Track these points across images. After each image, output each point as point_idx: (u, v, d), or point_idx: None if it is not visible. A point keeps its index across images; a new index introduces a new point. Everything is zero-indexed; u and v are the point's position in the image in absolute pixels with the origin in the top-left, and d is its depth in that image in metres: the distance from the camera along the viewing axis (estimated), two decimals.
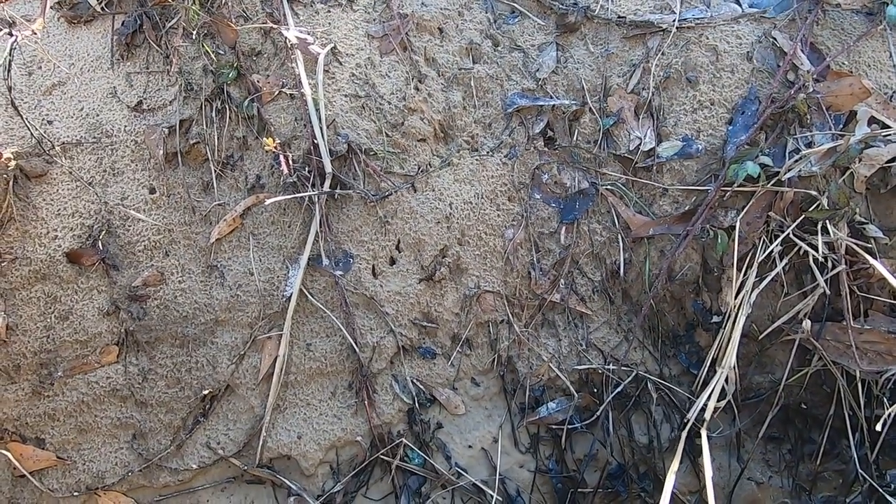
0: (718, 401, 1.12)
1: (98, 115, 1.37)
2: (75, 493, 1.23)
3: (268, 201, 1.28)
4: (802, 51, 1.40)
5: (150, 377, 1.29)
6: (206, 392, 1.28)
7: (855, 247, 1.14)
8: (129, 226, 1.33)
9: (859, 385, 1.22)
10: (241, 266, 1.35)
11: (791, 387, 1.32)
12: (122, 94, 1.39)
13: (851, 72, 1.36)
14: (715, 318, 1.32)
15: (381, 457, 1.27)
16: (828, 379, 1.32)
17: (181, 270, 1.34)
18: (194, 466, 1.25)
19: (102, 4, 1.45)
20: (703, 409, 1.10)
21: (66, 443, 1.26)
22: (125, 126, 1.36)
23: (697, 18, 1.48)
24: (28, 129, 1.29)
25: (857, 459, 1.21)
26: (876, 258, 1.22)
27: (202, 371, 1.29)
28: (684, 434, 1.05)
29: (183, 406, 1.28)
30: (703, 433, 0.98)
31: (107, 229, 1.33)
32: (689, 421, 1.10)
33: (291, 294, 1.32)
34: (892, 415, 1.20)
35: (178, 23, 1.42)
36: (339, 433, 1.29)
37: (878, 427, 0.98)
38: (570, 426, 1.30)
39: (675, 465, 0.94)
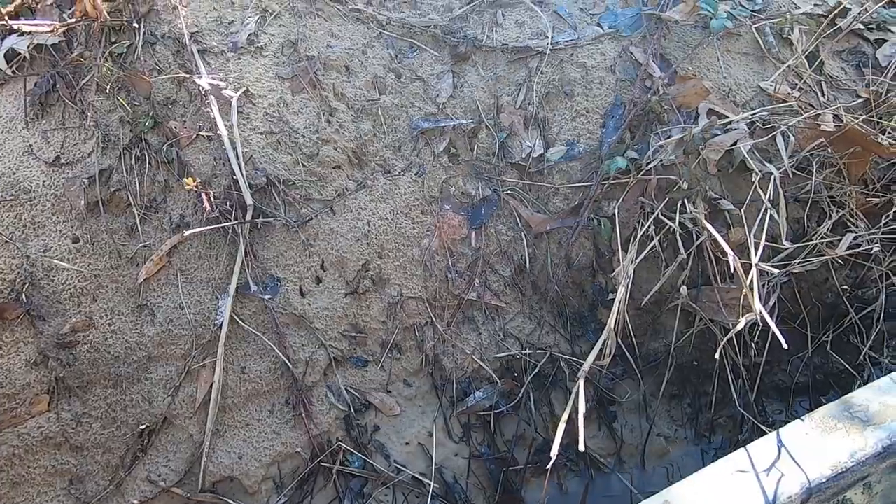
0: (603, 359, 1.14)
1: (15, 173, 1.28)
2: None
3: (187, 232, 1.23)
4: (654, 61, 1.51)
5: (84, 421, 1.19)
6: (143, 427, 1.20)
7: (702, 219, 1.21)
8: (54, 276, 1.24)
9: (734, 337, 1.28)
10: (170, 302, 1.28)
11: (682, 348, 1.37)
12: (39, 150, 1.32)
13: (695, 75, 1.47)
14: (611, 296, 1.36)
15: (322, 464, 1.21)
16: (710, 336, 1.38)
17: (110, 313, 1.26)
18: (136, 502, 1.16)
19: (13, 68, 1.38)
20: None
21: None
22: (44, 181, 1.29)
23: (567, 41, 1.57)
24: None
25: (738, 402, 1.26)
26: (731, 227, 1.30)
27: (138, 408, 1.21)
28: (577, 387, 1.06)
29: (120, 445, 1.19)
30: (580, 380, 1.00)
31: (30, 282, 1.24)
32: (581, 377, 1.12)
33: (222, 322, 1.27)
34: (764, 359, 1.26)
35: (91, 80, 1.36)
36: (280, 447, 1.23)
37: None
38: (496, 411, 1.29)
39: (565, 416, 0.95)
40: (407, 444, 1.29)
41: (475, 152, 1.48)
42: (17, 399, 1.19)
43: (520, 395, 1.32)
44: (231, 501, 1.18)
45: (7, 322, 1.22)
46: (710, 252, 1.29)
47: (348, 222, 1.38)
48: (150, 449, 1.22)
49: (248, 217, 1.30)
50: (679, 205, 1.28)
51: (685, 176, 1.31)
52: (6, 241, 1.25)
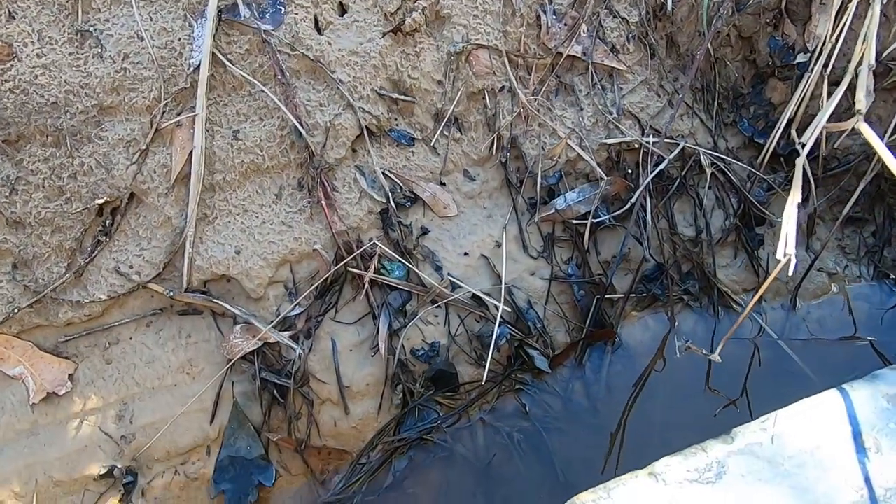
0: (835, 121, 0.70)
1: None
2: None
3: None
4: None
5: (20, 189, 0.85)
6: (100, 202, 0.85)
7: None
8: None
9: None
10: (124, 29, 0.85)
11: (891, 149, 0.89)
12: None
13: None
14: (799, 58, 0.85)
15: (350, 270, 0.87)
16: None
17: (38, 39, 0.84)
18: (103, 297, 0.87)
19: None
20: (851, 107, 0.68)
21: None
22: None
23: None
24: None
25: None
26: None
27: (92, 175, 0.85)
28: (803, 158, 0.64)
29: (74, 223, 0.86)
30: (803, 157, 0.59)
31: None
32: (804, 144, 0.69)
33: (200, 61, 0.83)
34: None
35: None
36: (292, 244, 0.88)
37: None
38: (595, 220, 0.90)
39: (798, 173, 0.55)
40: (466, 254, 0.93)
41: None
42: None
43: (632, 200, 0.91)
44: (227, 305, 0.87)
45: None
46: None
47: None
48: (115, 233, 0.89)
49: None
50: None
51: None
52: None
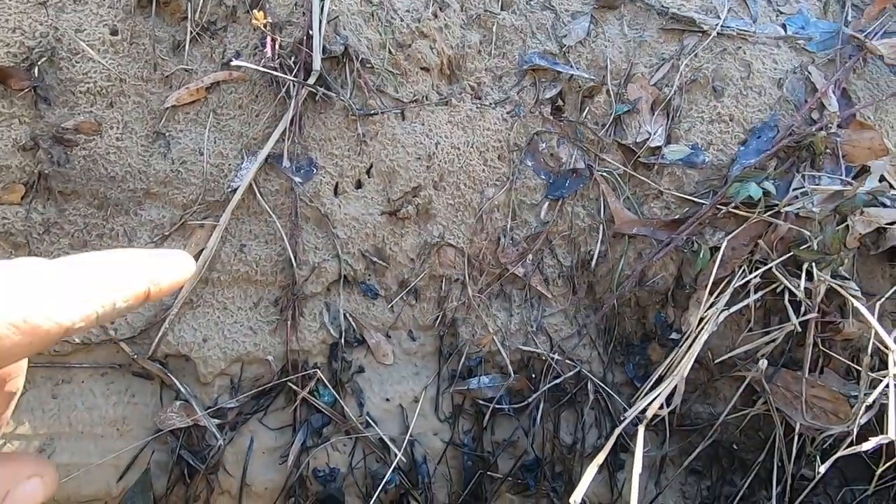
0: (660, 410, 1.01)
1: None
2: None
3: (236, 62, 1.09)
4: (833, 92, 1.30)
5: (53, 231, 1.09)
6: None
7: (846, 294, 1.04)
8: (77, 62, 1.12)
9: (796, 438, 1.13)
10: (191, 142, 1.16)
11: (728, 424, 1.22)
12: None
13: (876, 127, 1.27)
14: (674, 335, 1.21)
15: (290, 384, 1.11)
16: (766, 426, 1.23)
17: (122, 127, 1.14)
18: (76, 340, 1.06)
19: None
20: (643, 412, 0.99)
21: None
22: None
23: (741, 30, 1.36)
24: None
25: None
26: (847, 317, 1.13)
27: (116, 241, 1.10)
28: (617, 430, 0.94)
29: None
30: (641, 428, 0.87)
31: (49, 58, 1.12)
32: (625, 419, 0.98)
33: (239, 186, 1.14)
34: (817, 475, 1.11)
35: None
36: (251, 347, 1.12)
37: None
38: (497, 406, 1.17)
39: (600, 458, 0.82)
40: (387, 399, 1.18)
41: (584, 115, 1.31)
42: None
43: (529, 400, 1.19)
44: (177, 381, 1.08)
45: (10, 91, 1.11)
46: (815, 335, 1.13)
47: (415, 135, 1.24)
48: None
49: (311, 82, 1.16)
50: (805, 268, 1.11)
51: (825, 237, 1.13)
52: (40, 3, 1.13)
